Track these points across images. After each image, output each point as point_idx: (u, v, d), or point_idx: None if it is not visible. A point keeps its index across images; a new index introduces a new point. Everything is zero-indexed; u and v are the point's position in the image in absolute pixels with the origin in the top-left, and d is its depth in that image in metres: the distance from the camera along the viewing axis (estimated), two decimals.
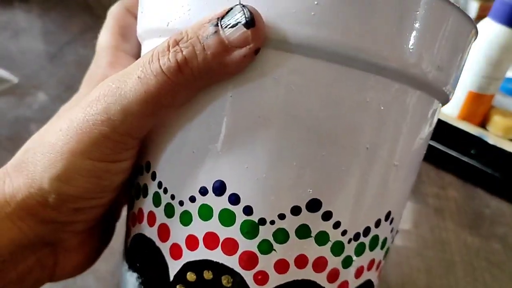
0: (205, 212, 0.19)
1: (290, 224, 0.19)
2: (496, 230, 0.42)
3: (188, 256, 0.20)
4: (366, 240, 0.20)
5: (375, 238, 0.21)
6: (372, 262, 0.21)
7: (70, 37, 0.58)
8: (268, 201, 0.19)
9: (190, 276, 0.20)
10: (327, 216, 0.19)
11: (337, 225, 0.19)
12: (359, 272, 0.21)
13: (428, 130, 0.22)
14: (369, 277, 0.21)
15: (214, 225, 0.19)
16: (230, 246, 0.19)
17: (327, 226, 0.19)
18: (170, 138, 0.20)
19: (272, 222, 0.19)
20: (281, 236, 0.19)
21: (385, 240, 0.22)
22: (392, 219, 0.22)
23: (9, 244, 0.20)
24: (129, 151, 0.21)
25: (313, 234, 0.19)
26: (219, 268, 0.19)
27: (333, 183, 0.19)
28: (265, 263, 0.19)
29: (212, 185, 0.19)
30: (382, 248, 0.22)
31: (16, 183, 0.20)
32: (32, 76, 0.49)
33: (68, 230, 0.22)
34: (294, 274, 0.19)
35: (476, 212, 0.44)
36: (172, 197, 0.20)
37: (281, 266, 0.19)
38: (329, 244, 0.19)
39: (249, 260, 0.19)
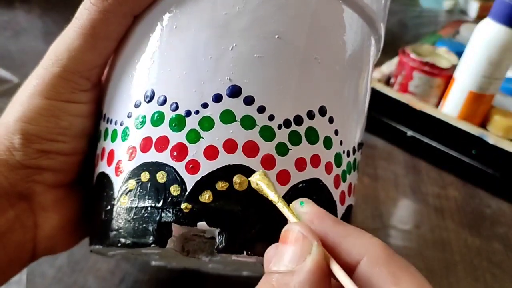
0: (141, 121, 0.21)
1: (214, 111, 0.20)
2: (496, 230, 0.42)
3: (127, 166, 0.21)
4: (301, 130, 0.21)
5: (312, 130, 0.21)
6: (316, 158, 0.21)
7: None
8: (190, 94, 0.21)
9: (131, 184, 0.21)
10: (249, 101, 0.20)
11: (261, 109, 0.20)
12: (300, 164, 0.21)
13: (350, 40, 0.23)
14: (316, 175, 0.21)
15: (148, 130, 0.21)
16: (162, 143, 0.21)
17: (251, 110, 0.20)
18: (113, 79, 0.23)
19: (197, 112, 0.20)
20: (207, 123, 0.20)
21: (328, 139, 0.22)
22: (332, 118, 0.22)
23: None
24: (83, 93, 0.23)
25: (238, 118, 0.20)
26: (153, 167, 0.21)
27: (249, 69, 0.21)
28: (195, 151, 0.20)
29: (144, 95, 0.21)
30: (327, 147, 0.22)
31: None
32: None
33: (39, 180, 0.23)
34: (224, 159, 0.20)
35: (476, 212, 0.44)
36: (111, 121, 0.23)
37: (211, 152, 0.20)
38: (257, 128, 0.20)
39: (179, 152, 0.20)
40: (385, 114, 0.51)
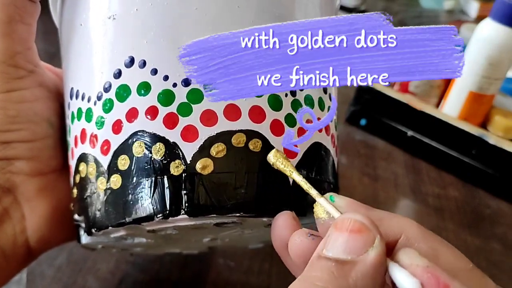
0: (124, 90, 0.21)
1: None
2: (496, 230, 0.42)
3: (115, 142, 0.20)
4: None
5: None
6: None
7: None
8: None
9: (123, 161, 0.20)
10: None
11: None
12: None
13: None
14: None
15: (133, 99, 0.20)
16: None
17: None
18: (76, 58, 0.23)
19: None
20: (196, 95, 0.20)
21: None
22: None
23: None
24: (20, 80, 0.23)
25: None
26: (149, 138, 0.20)
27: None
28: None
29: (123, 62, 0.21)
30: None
31: None
32: None
33: (14, 170, 0.24)
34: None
35: (476, 212, 0.44)
36: (88, 98, 0.22)
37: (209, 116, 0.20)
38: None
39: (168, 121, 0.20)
40: (385, 114, 0.51)
